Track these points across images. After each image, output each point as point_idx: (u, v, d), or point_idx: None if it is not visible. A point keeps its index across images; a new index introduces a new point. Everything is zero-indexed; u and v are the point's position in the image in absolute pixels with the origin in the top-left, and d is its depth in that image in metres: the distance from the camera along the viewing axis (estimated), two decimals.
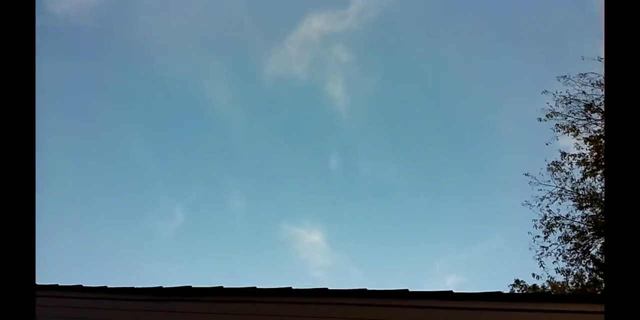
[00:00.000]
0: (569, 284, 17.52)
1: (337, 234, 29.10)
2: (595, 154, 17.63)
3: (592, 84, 17.43)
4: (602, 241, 17.17)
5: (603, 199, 17.65)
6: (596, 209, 17.71)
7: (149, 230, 27.69)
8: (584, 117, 17.88)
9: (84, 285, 6.52)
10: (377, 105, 32.40)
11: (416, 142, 31.19)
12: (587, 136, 17.84)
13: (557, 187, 18.43)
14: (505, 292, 4.79)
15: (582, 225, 17.87)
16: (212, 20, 30.08)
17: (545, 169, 18.59)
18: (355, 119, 32.14)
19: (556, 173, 18.53)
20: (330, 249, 28.90)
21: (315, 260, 29.38)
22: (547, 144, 18.71)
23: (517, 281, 17.98)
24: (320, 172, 31.14)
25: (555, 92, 18.28)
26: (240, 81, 32.06)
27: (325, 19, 30.00)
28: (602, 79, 17.20)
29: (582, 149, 17.99)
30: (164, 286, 5.99)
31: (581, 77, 17.63)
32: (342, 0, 30.81)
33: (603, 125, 17.51)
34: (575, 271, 17.58)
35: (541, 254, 17.84)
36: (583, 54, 17.63)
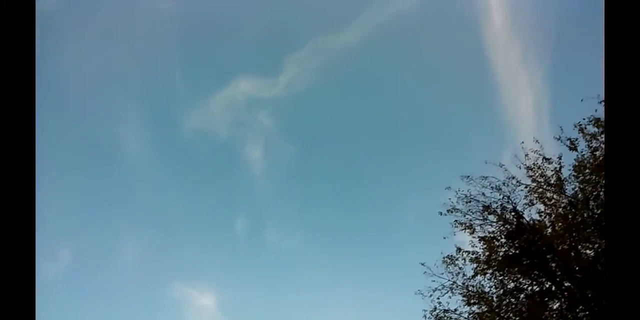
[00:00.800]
0: None
1: (231, 299, 27.94)
2: (487, 253, 18.48)
3: (491, 187, 18.58)
4: None
5: (490, 298, 18.35)
6: (483, 307, 18.32)
7: None
8: (481, 217, 18.85)
9: None
10: (292, 173, 32.73)
11: (325, 215, 31.45)
12: (482, 235, 18.74)
13: (449, 280, 19.01)
14: None
15: None
16: (139, 67, 29.76)
17: (440, 262, 19.21)
18: (269, 185, 32.12)
19: (450, 267, 19.17)
20: (221, 315, 27.55)
21: None
22: (444, 238, 19.44)
23: None
24: (225, 234, 30.35)
25: (457, 190, 19.30)
26: (158, 131, 31.42)
27: (254, 84, 30.69)
28: (500, 184, 18.44)
29: (476, 247, 18.82)
30: None
31: (482, 179, 18.79)
32: (273, 69, 31.80)
33: (498, 227, 18.55)
34: None
35: None
36: (487, 159, 19.00)
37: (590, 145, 16.38)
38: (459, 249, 19.21)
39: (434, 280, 19.03)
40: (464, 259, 19.04)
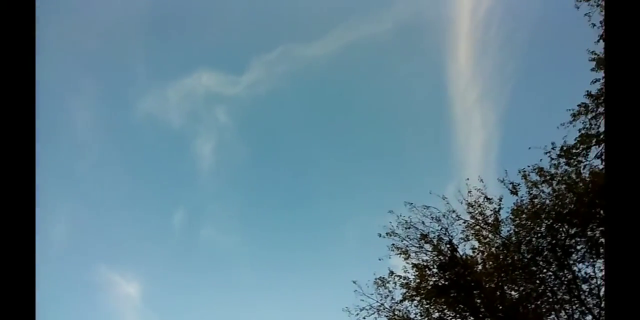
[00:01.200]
0: None
1: (157, 292, 27.42)
2: (418, 280, 18.76)
3: (432, 217, 18.80)
4: None
5: None
6: None
7: None
8: (418, 245, 19.06)
9: None
10: (240, 174, 32.21)
11: (266, 220, 31.20)
12: (416, 262, 18.99)
13: (377, 301, 19.22)
14: None
15: None
16: (103, 44, 28.46)
17: (372, 282, 19.41)
18: (214, 182, 31.53)
19: (380, 288, 19.36)
20: (143, 306, 27.07)
21: (123, 313, 27.26)
22: (379, 259, 19.61)
23: None
24: (161, 225, 29.67)
25: (399, 215, 19.43)
26: (110, 110, 30.23)
27: (216, 79, 29.89)
28: (440, 215, 18.69)
29: (408, 273, 19.03)
30: None
31: (425, 208, 18.96)
32: (238, 67, 31.10)
33: (432, 257, 18.86)
34: None
35: None
36: (432, 189, 19.20)
37: (531, 192, 16.78)
38: (391, 273, 19.41)
39: (363, 300, 19.21)
40: (395, 283, 19.26)
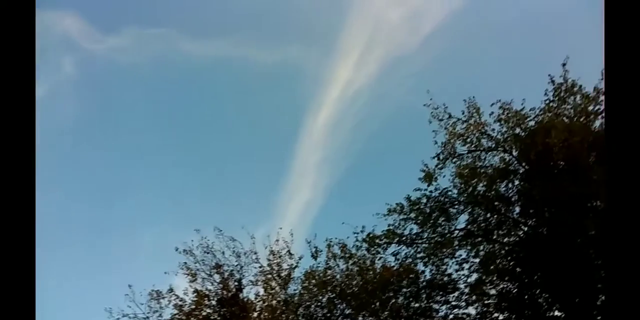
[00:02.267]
0: None
1: None
2: (193, 307, 18.17)
3: (233, 251, 18.34)
4: None
5: None
6: None
7: None
8: (208, 273, 18.53)
9: None
10: (62, 137, 29.35)
11: (70, 195, 28.81)
12: (199, 289, 18.43)
13: (144, 313, 18.26)
14: None
15: None
16: None
17: (147, 293, 18.49)
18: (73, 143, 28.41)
19: (153, 301, 18.47)
20: None
21: None
22: (165, 273, 18.76)
23: None
24: None
25: (204, 237, 18.67)
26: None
27: (82, 27, 27.01)
28: (242, 252, 18.31)
29: (187, 296, 18.39)
30: None
31: (230, 240, 18.40)
32: (111, 27, 28.43)
33: (216, 289, 18.40)
34: None
35: None
36: (245, 225, 18.81)
37: (328, 262, 17.08)
38: (171, 290, 18.58)
39: (130, 307, 18.20)
40: (170, 301, 18.49)
